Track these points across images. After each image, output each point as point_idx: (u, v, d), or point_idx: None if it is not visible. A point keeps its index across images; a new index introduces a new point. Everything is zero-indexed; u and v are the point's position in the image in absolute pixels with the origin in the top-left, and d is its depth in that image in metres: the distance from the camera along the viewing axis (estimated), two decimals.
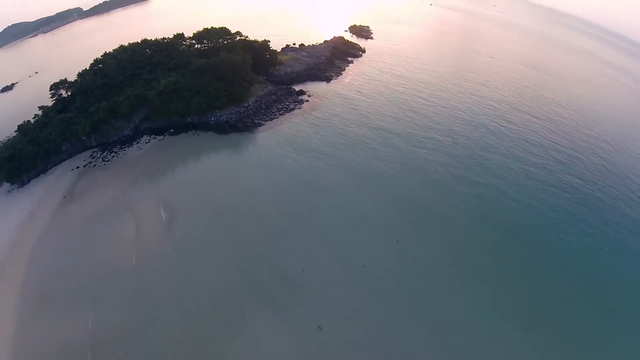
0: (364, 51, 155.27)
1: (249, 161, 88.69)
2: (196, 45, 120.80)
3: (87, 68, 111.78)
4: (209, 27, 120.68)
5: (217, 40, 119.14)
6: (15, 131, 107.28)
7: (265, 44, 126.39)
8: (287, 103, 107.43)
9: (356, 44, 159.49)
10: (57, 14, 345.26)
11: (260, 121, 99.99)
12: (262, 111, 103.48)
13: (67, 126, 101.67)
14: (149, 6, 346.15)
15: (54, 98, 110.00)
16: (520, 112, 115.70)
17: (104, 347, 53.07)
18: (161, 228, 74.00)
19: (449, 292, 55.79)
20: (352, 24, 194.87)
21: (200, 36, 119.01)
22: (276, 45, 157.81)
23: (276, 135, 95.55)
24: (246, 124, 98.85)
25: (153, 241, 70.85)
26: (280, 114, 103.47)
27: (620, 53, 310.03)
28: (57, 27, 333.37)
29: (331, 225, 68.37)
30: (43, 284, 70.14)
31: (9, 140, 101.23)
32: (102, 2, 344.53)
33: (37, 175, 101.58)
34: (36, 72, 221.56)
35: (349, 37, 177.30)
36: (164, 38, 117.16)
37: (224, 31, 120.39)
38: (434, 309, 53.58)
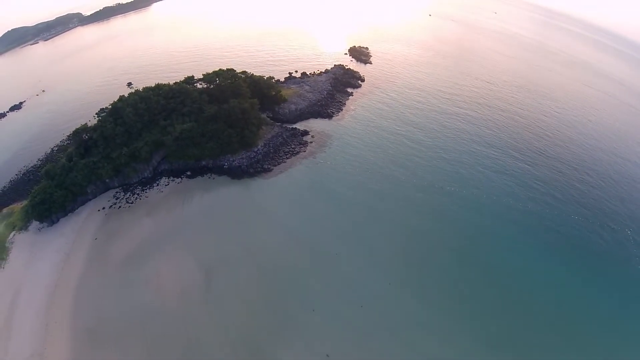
0: (363, 80, 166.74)
1: (261, 207, 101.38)
2: (205, 85, 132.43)
3: (106, 114, 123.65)
4: (218, 70, 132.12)
5: (225, 80, 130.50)
6: (42, 173, 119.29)
7: (271, 82, 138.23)
8: (293, 146, 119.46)
9: (356, 72, 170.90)
10: (56, 19, 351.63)
11: (269, 166, 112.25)
12: (271, 155, 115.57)
13: (91, 170, 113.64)
14: (149, 13, 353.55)
15: (73, 143, 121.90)
16: (518, 161, 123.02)
17: None
18: (189, 272, 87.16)
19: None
20: (351, 46, 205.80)
21: (209, 78, 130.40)
22: (278, 70, 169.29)
23: (285, 181, 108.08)
24: (257, 169, 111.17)
25: (183, 284, 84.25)
26: (287, 158, 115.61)
27: (620, 60, 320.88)
28: (58, 34, 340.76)
29: (334, 271, 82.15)
30: (90, 323, 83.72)
31: (39, 186, 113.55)
32: (102, 8, 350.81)
33: (66, 214, 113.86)
34: (43, 91, 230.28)
35: (348, 60, 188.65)
36: (176, 82, 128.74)
37: (231, 73, 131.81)
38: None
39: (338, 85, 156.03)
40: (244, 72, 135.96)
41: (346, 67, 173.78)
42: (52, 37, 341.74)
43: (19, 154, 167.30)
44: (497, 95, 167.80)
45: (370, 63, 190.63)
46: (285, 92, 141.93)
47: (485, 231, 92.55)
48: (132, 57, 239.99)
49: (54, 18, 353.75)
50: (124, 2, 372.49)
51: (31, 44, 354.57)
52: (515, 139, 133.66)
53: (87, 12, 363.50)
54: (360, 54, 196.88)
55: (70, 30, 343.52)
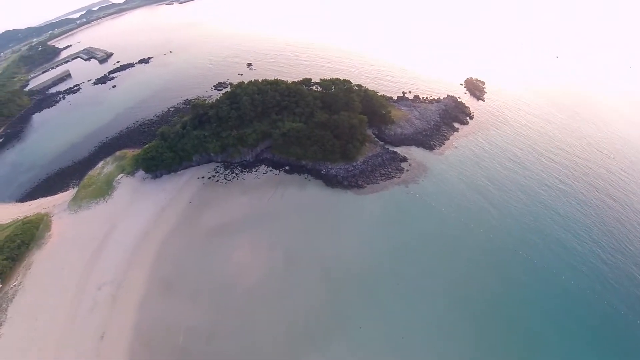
0: (471, 117, 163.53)
1: (345, 218, 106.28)
2: (320, 89, 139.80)
3: (224, 96, 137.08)
4: (334, 78, 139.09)
5: (340, 90, 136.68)
6: (158, 133, 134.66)
7: (383, 101, 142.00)
8: (389, 169, 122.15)
9: (466, 107, 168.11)
10: None
11: (363, 183, 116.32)
12: (367, 173, 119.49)
13: (200, 142, 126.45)
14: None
15: (190, 114, 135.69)
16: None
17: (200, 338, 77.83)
18: (267, 258, 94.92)
19: None
20: (468, 77, 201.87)
21: (325, 85, 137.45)
22: (392, 86, 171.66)
23: (374, 201, 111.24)
24: (351, 183, 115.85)
25: (259, 267, 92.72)
26: (381, 180, 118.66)
27: None
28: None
29: (393, 297, 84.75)
30: (167, 274, 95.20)
31: (153, 143, 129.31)
32: None
33: (169, 173, 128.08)
34: (170, 51, 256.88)
35: (462, 92, 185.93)
36: (294, 82, 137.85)
37: (347, 84, 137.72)
38: None
39: (446, 117, 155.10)
40: (359, 86, 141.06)
41: (458, 100, 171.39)
42: (187, 2, 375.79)
43: (139, 105, 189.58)
44: (604, 168, 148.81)
45: (483, 100, 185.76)
46: (394, 113, 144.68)
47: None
48: (255, 40, 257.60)
49: None
50: None
51: (167, 4, 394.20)
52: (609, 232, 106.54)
53: None
54: (475, 87, 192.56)
55: None
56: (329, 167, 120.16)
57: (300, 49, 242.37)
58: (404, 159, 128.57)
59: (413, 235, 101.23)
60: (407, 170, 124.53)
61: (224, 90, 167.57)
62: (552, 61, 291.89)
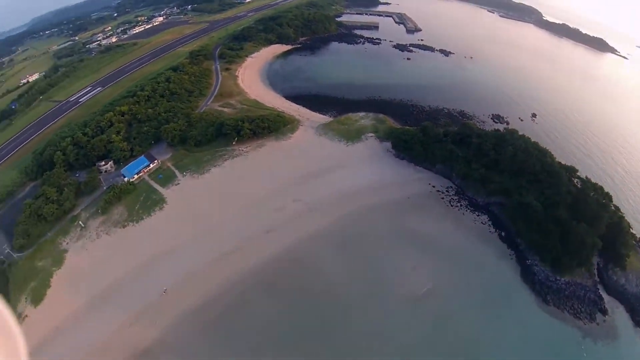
0: None
1: None
2: None
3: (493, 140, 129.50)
4: None
5: None
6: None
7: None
8: (580, 308, 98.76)
9: None
10: None
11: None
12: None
13: (450, 157, 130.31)
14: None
15: None
16: None
17: None
18: None
19: None
20: None
21: None
22: None
23: None
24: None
25: None
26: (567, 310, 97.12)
27: None
28: None
29: None
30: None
31: (412, 129, 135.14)
32: None
33: (409, 162, 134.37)
34: (471, 57, 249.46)
35: None
36: None
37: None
38: None
39: None
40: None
41: None
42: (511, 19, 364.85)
43: (417, 88, 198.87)
44: None
45: None
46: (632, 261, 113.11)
47: None
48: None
49: None
50: None
51: (488, 10, 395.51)
52: None
53: None
54: None
55: None
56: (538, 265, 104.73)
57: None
58: (604, 311, 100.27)
59: None
60: (597, 324, 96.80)
61: (500, 127, 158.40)
62: None
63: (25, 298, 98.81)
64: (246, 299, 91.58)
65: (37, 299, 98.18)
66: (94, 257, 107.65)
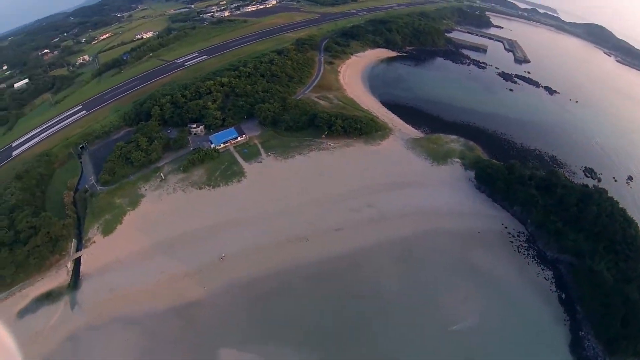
0: None
1: None
2: None
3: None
4: None
5: None
6: None
7: None
8: None
9: None
10: None
11: None
12: None
13: (530, 201, 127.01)
14: None
15: None
16: None
17: None
18: None
19: None
20: None
21: None
22: None
23: None
24: None
25: None
26: None
27: None
28: None
29: None
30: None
31: (498, 164, 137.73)
32: None
33: (489, 196, 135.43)
34: (576, 101, 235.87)
35: None
36: None
37: None
38: None
39: None
40: None
41: None
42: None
43: (516, 124, 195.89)
44: None
45: None
46: None
47: None
48: None
49: None
50: None
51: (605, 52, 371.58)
52: None
53: None
54: None
55: None
56: None
57: None
58: None
59: None
60: None
61: (590, 183, 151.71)
62: None
63: (97, 227, 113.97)
64: (294, 286, 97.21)
65: (107, 230, 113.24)
66: (166, 208, 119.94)
